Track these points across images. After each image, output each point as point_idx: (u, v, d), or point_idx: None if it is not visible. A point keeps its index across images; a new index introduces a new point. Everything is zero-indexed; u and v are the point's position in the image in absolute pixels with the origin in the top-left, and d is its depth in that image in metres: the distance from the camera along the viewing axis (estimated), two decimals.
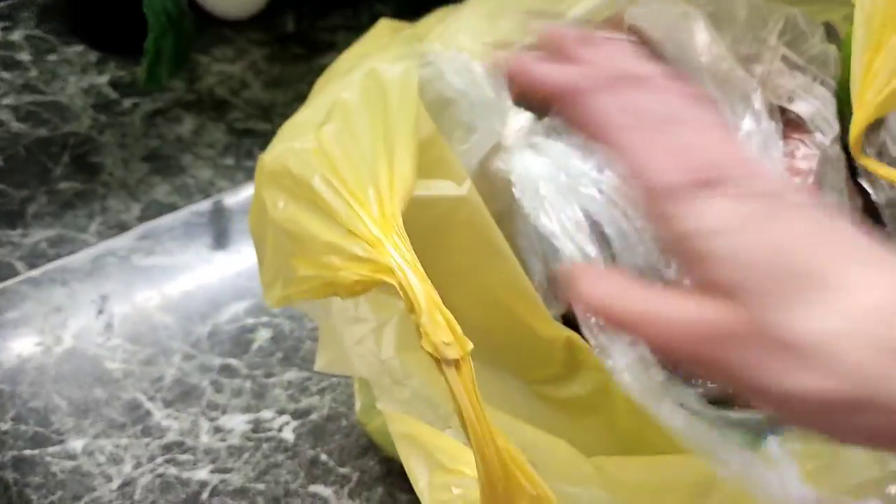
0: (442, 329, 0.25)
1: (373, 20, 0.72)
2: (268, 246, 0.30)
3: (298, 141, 0.29)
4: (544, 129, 0.40)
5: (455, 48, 0.36)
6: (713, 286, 0.21)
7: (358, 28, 0.71)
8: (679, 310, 0.21)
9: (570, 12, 0.36)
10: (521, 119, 0.40)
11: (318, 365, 0.31)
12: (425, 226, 0.35)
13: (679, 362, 0.26)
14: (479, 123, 0.38)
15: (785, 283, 0.19)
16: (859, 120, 0.44)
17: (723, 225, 0.21)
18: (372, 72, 0.32)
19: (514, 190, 0.38)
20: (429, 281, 0.26)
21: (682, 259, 0.22)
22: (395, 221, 0.26)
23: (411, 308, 0.25)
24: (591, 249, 0.34)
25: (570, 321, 0.37)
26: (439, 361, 0.24)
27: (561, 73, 0.26)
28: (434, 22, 0.42)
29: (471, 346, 0.25)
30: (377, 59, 0.35)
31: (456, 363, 0.24)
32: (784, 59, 0.49)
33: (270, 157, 0.29)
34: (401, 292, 0.25)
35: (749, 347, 0.20)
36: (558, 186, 0.36)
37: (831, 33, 0.58)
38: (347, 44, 0.47)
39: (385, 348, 0.32)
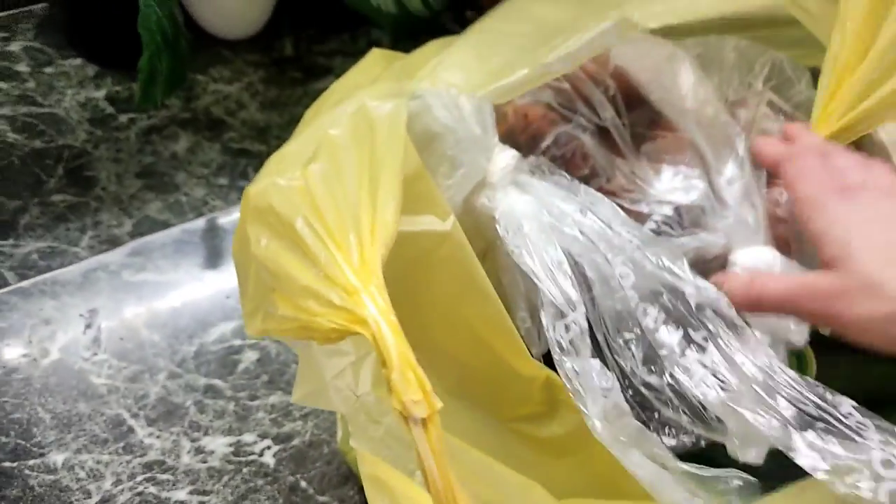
0: (412, 386, 0.25)
1: (370, 46, 0.73)
2: (250, 278, 0.30)
3: (284, 177, 0.29)
4: (529, 167, 0.41)
5: (445, 85, 0.36)
6: (827, 261, 0.33)
7: (355, 54, 0.72)
8: (804, 283, 0.34)
9: (557, 51, 0.37)
10: (506, 156, 0.40)
11: (295, 397, 0.31)
12: (408, 260, 0.36)
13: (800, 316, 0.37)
14: (465, 159, 0.38)
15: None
16: None
17: (835, 219, 0.34)
18: (361, 108, 0.33)
19: (497, 227, 0.38)
20: (403, 335, 0.26)
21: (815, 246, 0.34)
22: (375, 270, 0.26)
23: (383, 362, 0.25)
24: (572, 292, 0.35)
25: (551, 361, 0.38)
26: (407, 419, 0.25)
27: (780, 149, 0.39)
28: (427, 54, 0.42)
29: (440, 405, 0.25)
30: (367, 94, 0.35)
31: (423, 422, 0.25)
32: (770, 104, 0.49)
33: (255, 190, 0.30)
34: (374, 345, 0.25)
35: (841, 297, 0.32)
36: (541, 226, 0.37)
37: (817, 79, 0.59)
38: (344, 69, 0.48)
39: (362, 383, 0.32)
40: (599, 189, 0.41)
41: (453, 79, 0.38)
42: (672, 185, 0.43)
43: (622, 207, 0.39)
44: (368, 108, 0.33)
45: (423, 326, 0.38)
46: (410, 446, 0.33)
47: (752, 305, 0.35)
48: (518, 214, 0.37)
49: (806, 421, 0.32)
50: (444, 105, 0.37)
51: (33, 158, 0.62)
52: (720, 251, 0.42)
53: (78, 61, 0.67)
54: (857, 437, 0.31)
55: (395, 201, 0.28)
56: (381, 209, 0.28)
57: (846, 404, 0.35)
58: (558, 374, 0.38)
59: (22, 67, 0.66)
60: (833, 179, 0.35)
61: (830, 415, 0.34)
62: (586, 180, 0.42)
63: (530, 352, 0.40)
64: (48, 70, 0.66)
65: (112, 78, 0.66)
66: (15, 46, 0.67)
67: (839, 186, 0.35)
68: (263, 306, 0.29)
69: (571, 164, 0.43)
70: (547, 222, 0.38)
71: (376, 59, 0.42)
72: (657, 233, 0.40)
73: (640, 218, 0.41)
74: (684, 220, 0.42)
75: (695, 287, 0.35)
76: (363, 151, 0.31)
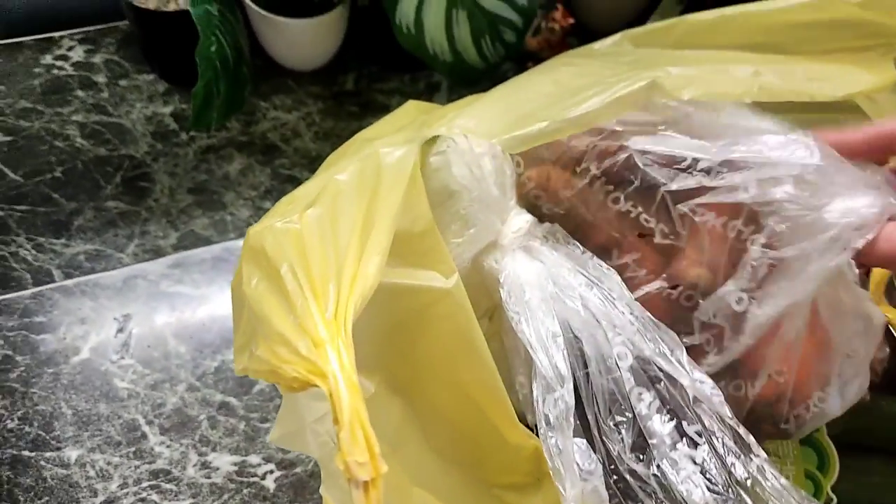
0: (359, 447, 0.25)
1: (429, 88, 0.75)
2: (243, 316, 0.31)
3: (283, 219, 0.30)
4: (543, 232, 0.40)
5: (459, 130, 0.36)
6: None
7: (412, 94, 0.74)
8: None
9: (581, 106, 0.36)
10: (521, 220, 0.40)
11: (272, 437, 0.31)
12: (408, 312, 0.36)
13: None
14: (480, 218, 0.38)
15: None
16: (878, 271, 0.43)
17: None
18: (373, 154, 0.33)
19: (500, 291, 0.38)
20: (360, 394, 0.26)
21: None
22: (345, 325, 0.26)
23: (335, 419, 0.25)
24: (563, 367, 0.34)
25: None
26: (349, 480, 0.24)
27: None
28: (461, 105, 0.43)
29: (385, 469, 0.25)
30: (383, 140, 0.36)
31: (365, 485, 0.24)
32: None
33: (254, 231, 0.30)
34: (329, 400, 0.25)
35: None
36: (544, 295, 0.37)
37: None
38: None
39: None
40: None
41: (468, 125, 0.38)
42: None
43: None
44: (378, 154, 0.33)
45: (418, 381, 0.38)
46: None
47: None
48: (522, 280, 0.37)
49: None
50: (465, 163, 0.38)
51: (96, 164, 0.65)
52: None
53: (151, 77, 0.71)
54: None
55: (381, 255, 0.29)
56: (365, 260, 0.28)
57: None
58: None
59: (100, 78, 0.70)
60: None
61: None
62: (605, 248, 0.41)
63: (525, 419, 0.40)
64: (122, 83, 0.70)
65: (180, 96, 0.70)
66: (98, 58, 0.72)
67: None
68: (249, 345, 0.30)
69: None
70: (550, 292, 0.37)
71: (409, 110, 0.43)
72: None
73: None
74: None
75: (691, 380, 0.34)
76: (364, 198, 0.32)
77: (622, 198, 0.41)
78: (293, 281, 0.27)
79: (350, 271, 0.28)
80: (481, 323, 0.42)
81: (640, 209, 0.40)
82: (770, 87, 0.37)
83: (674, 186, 0.38)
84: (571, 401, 0.34)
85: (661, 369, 0.35)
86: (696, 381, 0.34)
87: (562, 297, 0.36)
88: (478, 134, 0.37)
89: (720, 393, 0.34)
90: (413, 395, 0.38)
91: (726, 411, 0.34)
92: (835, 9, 0.39)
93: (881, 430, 0.47)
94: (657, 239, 0.39)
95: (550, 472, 0.36)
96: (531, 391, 0.38)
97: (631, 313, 0.36)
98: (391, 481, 0.35)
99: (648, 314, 0.36)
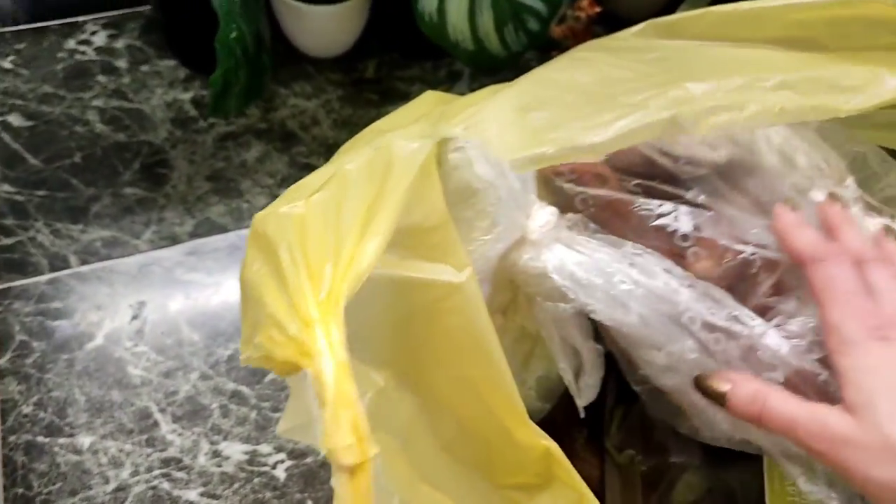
0: (343, 430, 0.23)
1: (451, 76, 0.74)
2: (249, 304, 0.30)
3: (288, 205, 0.29)
4: (568, 224, 0.39)
5: (478, 136, 0.35)
6: (847, 403, 0.31)
7: (433, 82, 0.73)
8: (813, 415, 0.31)
9: (594, 133, 0.35)
10: (546, 213, 0.39)
11: (280, 429, 0.31)
12: (420, 306, 0.35)
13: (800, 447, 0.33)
14: (504, 216, 0.37)
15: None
16: None
17: (865, 364, 0.31)
18: (385, 146, 0.32)
19: (557, 285, 0.37)
20: (349, 372, 0.24)
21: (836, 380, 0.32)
22: (337, 303, 0.25)
23: (321, 401, 0.24)
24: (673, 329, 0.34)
25: (597, 409, 0.37)
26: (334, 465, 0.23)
27: (812, 244, 0.35)
28: (476, 99, 0.42)
29: (375, 451, 0.23)
30: (399, 133, 0.35)
31: (351, 469, 0.23)
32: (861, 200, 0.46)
33: (259, 216, 0.30)
34: (313, 382, 0.24)
35: (855, 448, 0.30)
36: (601, 279, 0.36)
37: None
38: None
39: None
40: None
41: (487, 133, 0.37)
42: None
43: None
44: (392, 147, 0.32)
45: (428, 377, 0.37)
46: (392, 489, 0.32)
47: (752, 420, 0.33)
48: (574, 270, 0.36)
49: None
50: (486, 159, 0.37)
51: (115, 150, 0.65)
52: None
53: (172, 63, 0.70)
54: None
55: (383, 236, 0.27)
56: (365, 242, 0.27)
57: None
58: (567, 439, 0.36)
59: (121, 63, 0.70)
60: (868, 310, 0.32)
61: None
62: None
63: (575, 403, 0.39)
64: (144, 68, 0.70)
65: (200, 82, 0.69)
66: (120, 44, 0.71)
67: (874, 324, 0.31)
68: (254, 334, 0.29)
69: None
70: (603, 277, 0.37)
71: (427, 101, 0.42)
72: None
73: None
74: None
75: (762, 330, 0.34)
76: (371, 187, 0.31)
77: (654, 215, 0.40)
78: (289, 261, 0.27)
79: (348, 252, 0.27)
80: (494, 318, 0.41)
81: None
82: (791, 110, 0.36)
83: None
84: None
85: (728, 328, 0.34)
86: (766, 332, 0.34)
87: (613, 281, 0.35)
88: (493, 144, 0.36)
89: (794, 342, 0.33)
90: (423, 390, 0.37)
91: (805, 361, 0.33)
92: (870, 6, 0.38)
93: None
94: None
95: (566, 472, 0.35)
96: (578, 378, 0.38)
97: (685, 283, 0.35)
98: (400, 475, 0.34)
99: (702, 281, 0.35)
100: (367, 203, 0.29)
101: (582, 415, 0.39)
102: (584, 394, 0.40)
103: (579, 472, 0.36)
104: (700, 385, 0.35)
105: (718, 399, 0.34)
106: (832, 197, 0.44)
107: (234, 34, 0.53)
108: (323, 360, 0.24)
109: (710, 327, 0.35)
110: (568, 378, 0.39)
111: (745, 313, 0.36)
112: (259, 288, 0.28)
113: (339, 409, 0.23)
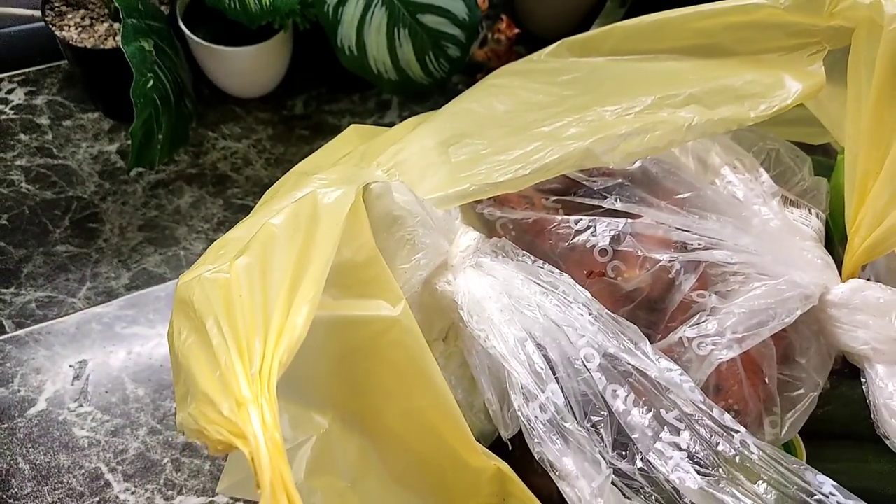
0: None
1: (380, 106, 0.74)
2: (180, 370, 0.30)
3: (212, 268, 0.29)
4: (491, 247, 0.40)
5: (400, 176, 0.36)
6: None
7: (363, 113, 0.73)
8: None
9: (510, 170, 0.36)
10: (469, 238, 0.40)
11: (220, 487, 0.30)
12: (359, 342, 0.35)
13: None
14: (427, 241, 0.38)
15: None
16: (849, 264, 0.43)
17: None
18: (310, 196, 0.33)
19: (460, 311, 0.37)
20: (283, 454, 0.25)
21: None
22: (269, 382, 0.25)
23: (257, 483, 0.24)
24: (542, 367, 0.34)
25: (522, 441, 0.36)
26: None
27: None
28: (400, 133, 0.42)
29: None
30: (321, 179, 0.35)
31: None
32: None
33: (183, 281, 0.29)
34: (249, 463, 0.24)
35: None
36: (502, 307, 0.36)
37: (834, 158, 0.57)
38: None
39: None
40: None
41: (409, 174, 0.38)
42: None
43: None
44: (315, 196, 0.33)
45: (374, 412, 0.37)
46: None
47: None
48: (479, 297, 0.37)
49: None
50: (406, 188, 0.37)
51: (43, 208, 0.64)
52: None
53: (95, 115, 0.69)
54: None
55: (311, 304, 0.28)
56: (294, 312, 0.27)
57: (828, 484, 0.33)
58: (510, 463, 0.37)
59: (43, 120, 0.69)
60: None
61: (813, 497, 0.32)
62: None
63: (501, 434, 0.39)
64: (66, 123, 0.69)
65: (126, 132, 0.68)
66: (40, 100, 0.70)
67: None
68: (187, 398, 0.29)
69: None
70: (507, 304, 0.37)
71: (349, 137, 0.42)
72: None
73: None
74: None
75: (659, 370, 0.34)
76: (296, 244, 0.31)
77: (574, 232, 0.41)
78: (219, 335, 0.27)
79: (277, 324, 0.27)
80: (436, 345, 0.41)
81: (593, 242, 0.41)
82: (699, 125, 0.38)
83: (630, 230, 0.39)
84: (560, 398, 0.33)
85: (629, 363, 0.34)
86: (664, 370, 0.34)
87: (518, 308, 0.36)
88: (414, 186, 0.37)
89: (689, 379, 0.34)
90: (370, 426, 0.37)
91: (698, 396, 0.33)
92: (764, 11, 0.40)
93: (844, 416, 0.47)
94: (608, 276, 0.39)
95: (520, 489, 0.35)
96: (503, 407, 0.38)
97: (590, 314, 0.35)
98: None
99: (607, 312, 0.36)
100: (292, 263, 0.29)
101: (510, 447, 0.38)
102: (511, 425, 0.39)
103: (539, 487, 0.37)
104: None
105: None
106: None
107: (150, 83, 0.53)
108: (259, 443, 0.24)
109: (612, 359, 0.35)
110: (493, 409, 0.38)
111: (650, 349, 0.36)
112: (189, 360, 0.28)
113: (276, 492, 0.24)
